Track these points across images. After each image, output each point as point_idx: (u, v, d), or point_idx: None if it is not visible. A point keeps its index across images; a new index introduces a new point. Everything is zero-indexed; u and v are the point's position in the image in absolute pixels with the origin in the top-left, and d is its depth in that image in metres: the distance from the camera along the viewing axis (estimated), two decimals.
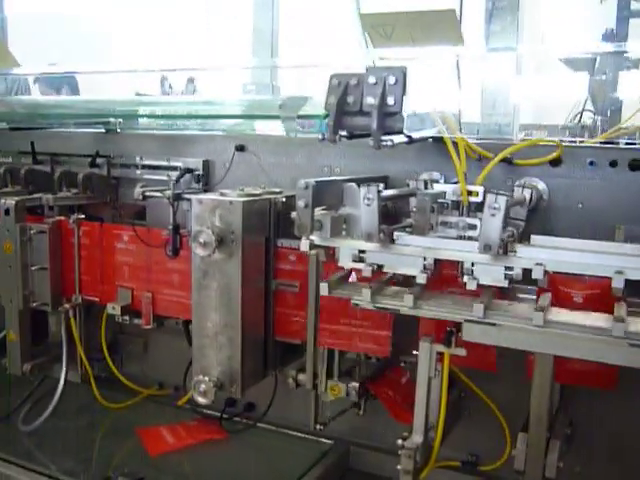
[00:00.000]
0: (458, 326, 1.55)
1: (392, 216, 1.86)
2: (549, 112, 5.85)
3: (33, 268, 2.28)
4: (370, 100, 1.56)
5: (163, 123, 2.58)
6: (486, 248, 1.44)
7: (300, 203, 1.58)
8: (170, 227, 2.09)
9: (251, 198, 1.86)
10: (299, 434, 2.32)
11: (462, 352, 1.58)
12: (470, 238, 1.53)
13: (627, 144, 1.93)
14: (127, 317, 2.25)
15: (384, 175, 2.02)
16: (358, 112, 1.59)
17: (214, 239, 1.75)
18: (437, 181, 1.89)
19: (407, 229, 1.59)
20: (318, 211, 1.61)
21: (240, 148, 2.29)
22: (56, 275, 2.31)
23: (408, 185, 1.90)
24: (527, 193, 1.79)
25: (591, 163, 1.82)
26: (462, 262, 1.52)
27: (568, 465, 1.66)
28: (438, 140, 1.86)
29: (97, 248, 2.29)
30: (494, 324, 1.44)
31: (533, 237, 1.56)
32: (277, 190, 2.02)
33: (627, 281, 1.38)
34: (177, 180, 2.22)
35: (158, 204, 2.25)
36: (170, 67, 4.13)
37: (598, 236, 1.61)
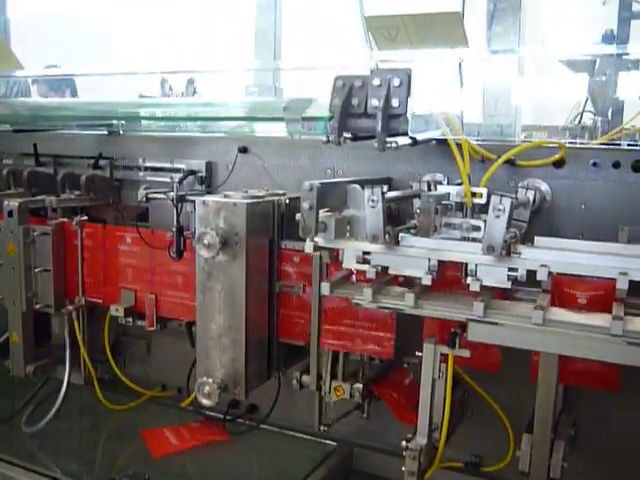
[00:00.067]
0: (462, 327, 1.56)
1: (395, 217, 1.86)
2: (549, 113, 5.85)
3: (36, 270, 2.29)
4: (375, 102, 1.56)
5: (164, 125, 2.58)
6: (489, 249, 1.45)
7: (305, 205, 1.58)
8: (174, 229, 2.09)
9: (255, 200, 1.86)
10: (302, 436, 2.32)
11: (466, 353, 1.59)
12: (474, 240, 1.54)
13: (629, 145, 1.93)
14: (130, 319, 2.26)
15: (387, 177, 2.03)
16: (362, 114, 1.59)
17: (218, 241, 1.76)
18: (440, 183, 1.89)
19: (411, 230, 1.60)
20: (322, 213, 1.62)
21: (243, 150, 2.29)
22: (59, 277, 2.31)
23: (411, 187, 1.91)
24: (530, 194, 1.79)
25: (594, 164, 1.82)
26: (466, 263, 1.53)
27: (572, 465, 1.66)
28: (441, 142, 1.87)
29: (100, 250, 2.29)
30: (494, 323, 1.45)
31: (537, 239, 1.56)
32: (280, 192, 2.03)
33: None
34: (180, 182, 2.22)
35: (161, 206, 2.25)
36: (171, 69, 4.12)
37: (601, 237, 1.61)
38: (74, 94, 5.71)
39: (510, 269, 1.47)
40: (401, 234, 1.57)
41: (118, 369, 2.49)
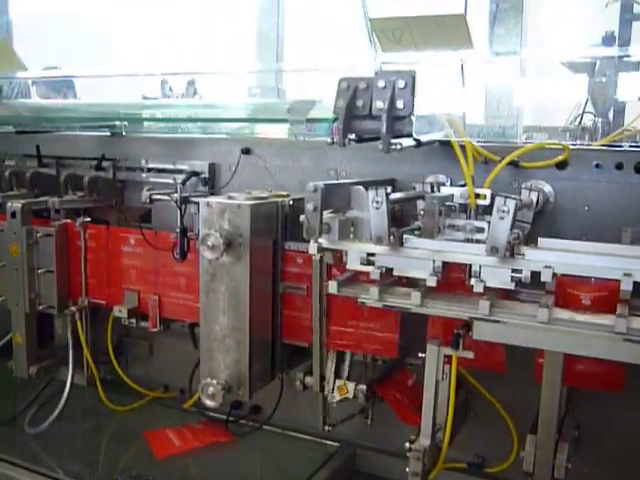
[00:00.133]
0: (465, 328, 1.56)
1: (398, 219, 1.87)
2: (549, 114, 5.85)
3: (39, 271, 2.29)
4: (380, 104, 1.57)
5: (165, 126, 2.58)
6: (493, 250, 1.45)
7: (309, 206, 1.59)
8: (177, 230, 2.09)
9: (259, 201, 1.87)
10: (305, 437, 2.32)
11: (470, 355, 1.59)
12: (478, 241, 1.54)
13: (631, 146, 1.94)
14: (134, 320, 2.26)
15: (391, 178, 2.03)
16: (367, 116, 1.60)
17: (222, 242, 1.76)
18: (443, 184, 1.90)
19: (415, 232, 1.60)
20: (326, 214, 1.62)
21: (246, 151, 2.29)
22: (62, 278, 2.31)
23: (414, 188, 1.91)
24: (534, 196, 1.79)
25: (597, 166, 1.82)
26: (469, 265, 1.53)
27: (576, 466, 1.66)
28: (445, 143, 1.87)
29: (103, 251, 2.29)
30: (499, 321, 1.45)
31: (540, 240, 1.57)
32: (284, 193, 2.03)
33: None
34: (183, 183, 2.22)
35: (164, 207, 2.25)
36: (172, 71, 4.13)
37: (604, 238, 1.61)
38: (74, 96, 5.71)
39: (514, 270, 1.48)
40: (405, 235, 1.57)
41: (121, 370, 2.49)
